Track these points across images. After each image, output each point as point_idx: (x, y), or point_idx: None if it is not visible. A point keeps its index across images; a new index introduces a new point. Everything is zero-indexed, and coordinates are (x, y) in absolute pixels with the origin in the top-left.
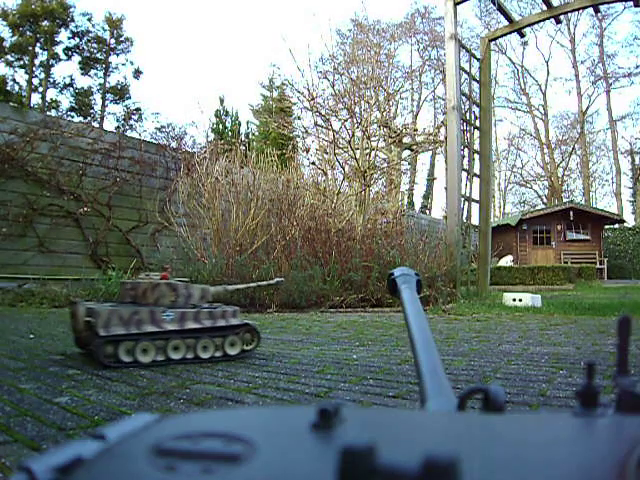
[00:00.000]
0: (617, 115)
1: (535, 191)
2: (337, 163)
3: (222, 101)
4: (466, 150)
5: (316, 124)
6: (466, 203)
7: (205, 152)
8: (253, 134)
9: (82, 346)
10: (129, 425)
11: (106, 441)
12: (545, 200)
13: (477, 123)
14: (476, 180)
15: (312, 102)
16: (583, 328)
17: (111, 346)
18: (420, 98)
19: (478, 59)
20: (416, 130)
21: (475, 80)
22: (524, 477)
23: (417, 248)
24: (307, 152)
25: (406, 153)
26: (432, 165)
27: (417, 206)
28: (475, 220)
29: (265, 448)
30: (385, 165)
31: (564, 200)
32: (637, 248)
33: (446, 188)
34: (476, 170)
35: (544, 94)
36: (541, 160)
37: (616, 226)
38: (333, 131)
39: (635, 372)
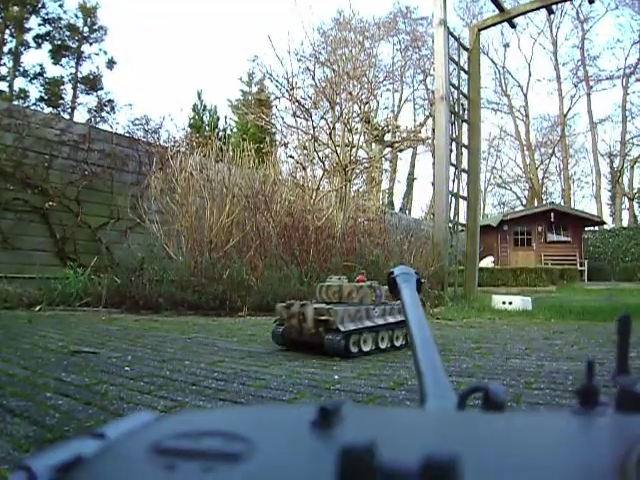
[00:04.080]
0: (597, 118)
1: (515, 193)
2: (317, 157)
3: (200, 95)
4: (454, 144)
5: (295, 115)
6: (454, 200)
7: (179, 146)
8: (231, 130)
9: (287, 342)
10: (129, 424)
11: (106, 440)
12: (525, 202)
13: (465, 116)
14: (463, 176)
15: (291, 92)
16: (591, 336)
17: (344, 340)
18: (401, 98)
19: (467, 49)
20: (398, 127)
21: (464, 71)
22: (524, 476)
23: (402, 247)
24: (285, 146)
25: (387, 151)
26: (412, 165)
27: (397, 206)
28: (463, 218)
29: (265, 447)
30: (366, 161)
31: (544, 202)
32: (616, 250)
33: (433, 183)
34: (464, 165)
35: (525, 95)
36: (521, 162)
37: (596, 228)
38: (312, 122)
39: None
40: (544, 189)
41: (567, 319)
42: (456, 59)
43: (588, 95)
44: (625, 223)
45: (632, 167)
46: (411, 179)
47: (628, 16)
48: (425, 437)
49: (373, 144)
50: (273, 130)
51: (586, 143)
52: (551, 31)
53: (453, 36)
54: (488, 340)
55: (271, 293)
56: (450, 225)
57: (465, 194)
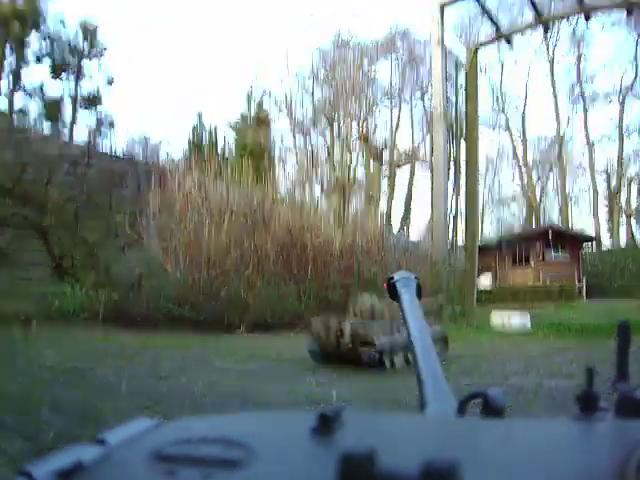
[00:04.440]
0: (594, 136)
1: (512, 211)
2: (315, 176)
3: (200, 116)
4: (452, 163)
5: (293, 133)
6: (452, 218)
7: (178, 165)
8: (230, 150)
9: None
10: (129, 430)
11: (106, 446)
12: (523, 219)
13: (463, 135)
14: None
15: (290, 110)
16: (590, 353)
17: (379, 354)
18: (399, 116)
19: (464, 68)
20: (395, 146)
21: (462, 89)
22: None
23: (400, 265)
24: (284, 164)
25: (385, 168)
26: (411, 186)
27: (395, 227)
28: (461, 237)
29: (264, 453)
30: (364, 180)
31: (541, 219)
32: (614, 268)
33: (432, 202)
34: (462, 184)
35: (523, 114)
36: (519, 180)
37: (594, 245)
38: (311, 141)
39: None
40: (542, 207)
41: (565, 337)
42: (454, 78)
43: (585, 113)
44: (623, 240)
45: (629, 185)
46: (409, 200)
47: (624, 35)
48: (425, 443)
49: (371, 162)
50: (271, 150)
51: (583, 161)
52: (547, 50)
53: (451, 55)
54: (487, 358)
55: (269, 310)
56: (448, 244)
57: (463, 212)
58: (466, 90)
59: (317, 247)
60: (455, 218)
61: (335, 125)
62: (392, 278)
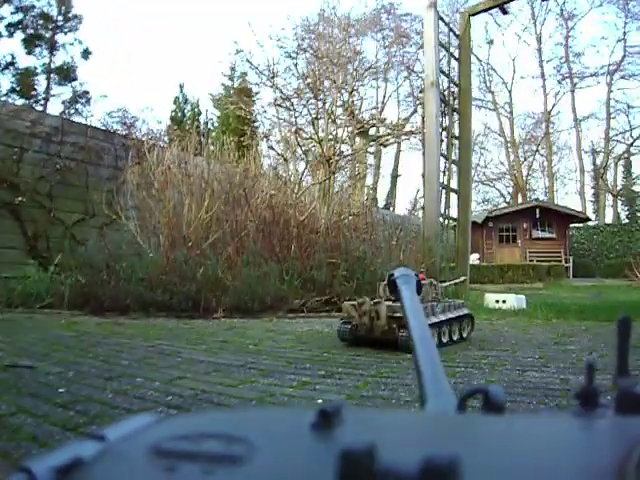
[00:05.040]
0: (581, 115)
1: (498, 190)
2: (299, 149)
3: (182, 88)
4: (444, 134)
5: (276, 104)
6: (444, 193)
7: (157, 139)
8: (212, 124)
9: (355, 339)
10: (129, 426)
11: (106, 442)
12: (509, 199)
13: (456, 105)
14: (454, 169)
15: (273, 80)
16: (604, 339)
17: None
18: (385, 94)
19: (457, 35)
20: (382, 121)
21: (454, 58)
22: (524, 478)
23: (390, 243)
24: (267, 139)
25: (371, 145)
26: (396, 162)
27: (380, 203)
28: (453, 212)
29: (265, 449)
30: (350, 154)
31: (528, 199)
32: (601, 246)
33: (423, 175)
34: (455, 157)
35: (510, 92)
36: (505, 158)
37: (580, 225)
38: (295, 113)
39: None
40: (528, 186)
41: (568, 319)
42: (446, 46)
43: (572, 92)
44: (609, 220)
45: (616, 164)
46: (395, 176)
47: (613, 13)
48: (425, 439)
49: (357, 138)
50: (255, 123)
51: (570, 140)
52: (535, 28)
53: (443, 21)
54: (493, 345)
55: (249, 292)
56: (441, 219)
57: (456, 187)
58: (459, 58)
59: (301, 224)
60: (447, 193)
61: (320, 96)
62: (392, 275)
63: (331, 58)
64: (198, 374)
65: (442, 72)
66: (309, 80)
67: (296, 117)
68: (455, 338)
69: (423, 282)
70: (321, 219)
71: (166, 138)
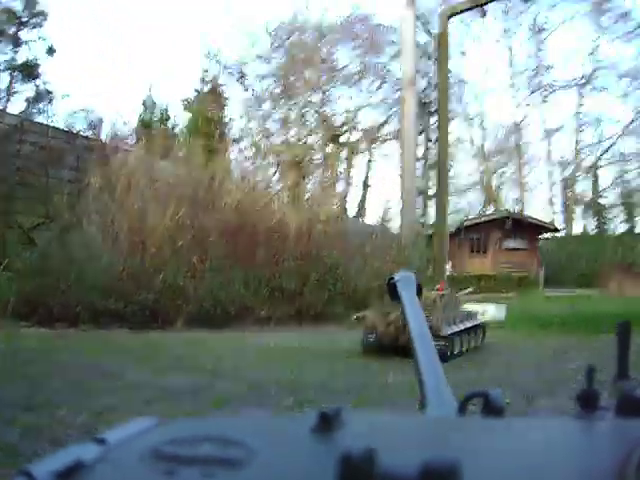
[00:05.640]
0: (552, 126)
1: (468, 201)
2: (270, 152)
3: (150, 90)
4: (422, 138)
5: (247, 106)
6: (422, 198)
7: (122, 142)
8: (181, 129)
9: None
10: (129, 429)
11: (106, 445)
12: (480, 209)
13: (433, 105)
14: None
15: (243, 79)
16: (602, 356)
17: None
18: (358, 103)
19: (435, 35)
20: (355, 127)
21: (432, 59)
22: None
23: (364, 250)
24: (236, 142)
25: (343, 152)
26: (368, 170)
27: (352, 212)
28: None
29: (264, 453)
30: (321, 159)
31: (499, 209)
32: (570, 257)
33: (401, 176)
34: (432, 161)
35: (481, 104)
36: (476, 169)
37: (550, 235)
38: (265, 114)
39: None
40: (499, 196)
41: (551, 332)
42: (424, 47)
43: (543, 104)
44: (578, 230)
45: (585, 175)
46: (366, 185)
47: (584, 27)
48: (425, 442)
49: (329, 145)
50: (225, 126)
51: (540, 151)
52: (507, 39)
53: (421, 21)
54: (483, 363)
55: (211, 300)
56: (418, 225)
57: (434, 192)
58: (437, 59)
59: (270, 230)
60: (425, 198)
61: (292, 101)
62: (392, 278)
63: (304, 58)
64: (136, 403)
65: (420, 73)
66: (281, 77)
67: (266, 120)
68: (473, 345)
69: (442, 292)
70: (291, 225)
71: (132, 141)
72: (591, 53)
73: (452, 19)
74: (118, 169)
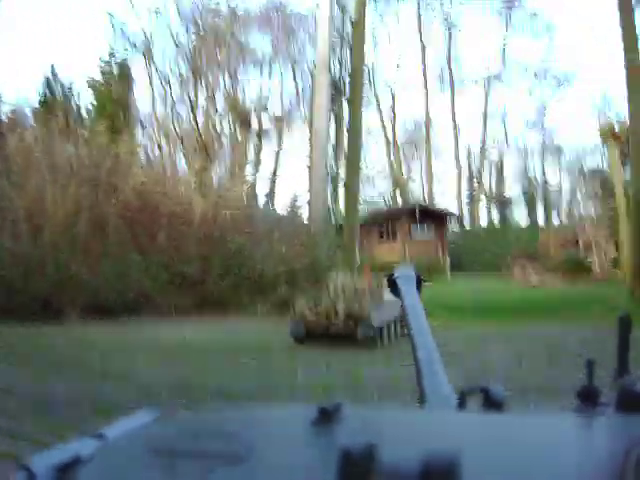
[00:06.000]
0: (460, 120)
1: (378, 190)
2: (176, 134)
3: (53, 69)
4: (334, 124)
5: (151, 83)
6: (332, 184)
7: (21, 121)
8: (87, 109)
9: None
10: (128, 424)
11: (105, 440)
12: (389, 198)
13: (347, 92)
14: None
15: (149, 55)
16: (530, 342)
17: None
18: (270, 90)
19: (352, 21)
20: (266, 113)
21: (348, 44)
22: (524, 476)
23: (271, 236)
24: (142, 124)
25: (253, 138)
26: (278, 158)
27: (261, 200)
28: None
29: (264, 447)
30: (230, 144)
31: (408, 199)
32: (475, 246)
33: (310, 166)
34: (344, 148)
35: (393, 95)
36: (387, 159)
37: (457, 225)
38: (172, 93)
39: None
40: (408, 186)
41: (467, 319)
42: (340, 31)
43: (452, 97)
44: (483, 221)
45: (491, 168)
46: (276, 173)
47: (495, 24)
48: (425, 437)
49: (239, 130)
50: (131, 107)
51: (449, 144)
52: (420, 33)
53: (339, 5)
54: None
55: (107, 289)
56: (327, 212)
57: (344, 178)
58: (352, 45)
59: (174, 214)
60: (335, 185)
61: (201, 78)
62: (393, 273)
63: (215, 37)
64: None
65: (335, 57)
66: (190, 57)
67: (174, 100)
68: (400, 334)
69: (368, 282)
70: (197, 210)
71: (32, 121)
72: (500, 50)
73: (368, 13)
74: (15, 150)
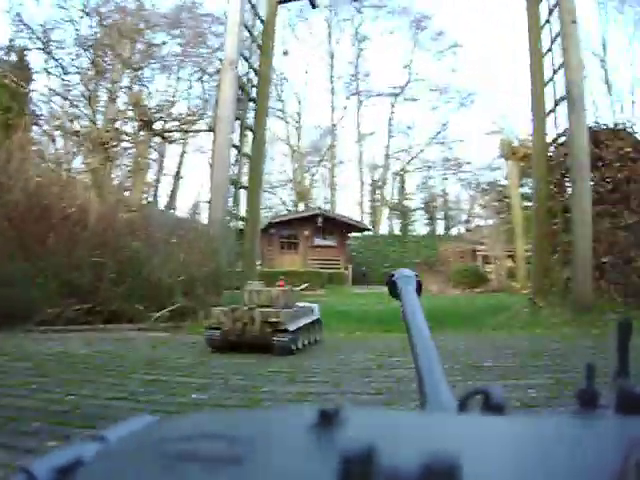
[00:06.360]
0: (365, 131)
1: (280, 198)
2: (74, 131)
3: None
4: (238, 123)
5: (48, 72)
6: (233, 189)
7: None
8: None
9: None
10: (129, 426)
11: (106, 442)
12: (291, 206)
13: (254, 94)
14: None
15: (48, 46)
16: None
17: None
18: (175, 94)
19: (262, 20)
20: (170, 114)
21: (257, 44)
22: (525, 478)
23: (169, 242)
24: (37, 117)
25: (156, 141)
26: (181, 161)
27: (163, 204)
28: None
29: (264, 449)
30: (130, 141)
31: (310, 207)
32: (377, 255)
33: (211, 165)
34: (248, 150)
35: (299, 103)
36: (290, 167)
37: (359, 234)
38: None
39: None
40: (310, 195)
41: (371, 330)
42: (250, 29)
43: (358, 109)
44: (384, 231)
45: (393, 179)
46: (179, 177)
47: (403, 41)
48: (425, 439)
49: (141, 131)
50: (28, 101)
51: (352, 154)
52: (330, 45)
53: (250, 3)
54: (305, 374)
55: None
56: (228, 218)
57: (247, 183)
58: (262, 45)
59: (66, 217)
60: (237, 188)
61: (104, 75)
62: (392, 275)
63: (119, 28)
64: None
65: (242, 56)
66: (90, 49)
67: (70, 91)
68: (312, 339)
69: (284, 288)
70: (92, 213)
71: None
72: (406, 66)
73: (279, 17)
74: None
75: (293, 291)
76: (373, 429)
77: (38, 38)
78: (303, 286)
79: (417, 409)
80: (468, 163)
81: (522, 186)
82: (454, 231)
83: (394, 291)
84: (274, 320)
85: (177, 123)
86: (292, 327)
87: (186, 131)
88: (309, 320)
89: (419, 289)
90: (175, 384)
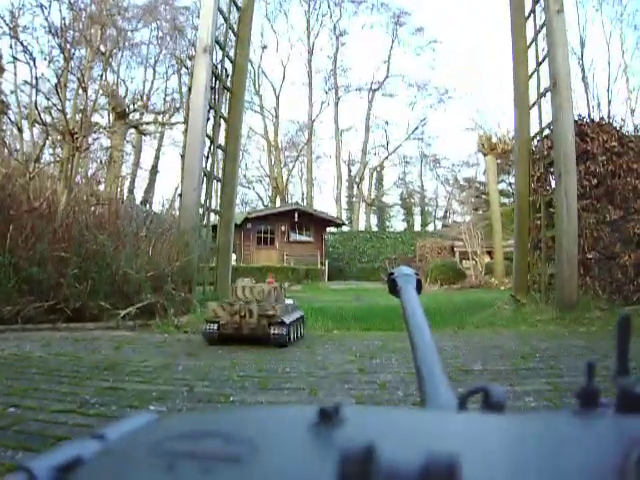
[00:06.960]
0: (343, 126)
1: (257, 192)
2: (42, 120)
3: None
4: (212, 114)
5: (15, 58)
6: (206, 180)
7: None
8: None
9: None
10: (129, 425)
11: (106, 441)
12: (268, 201)
13: (228, 83)
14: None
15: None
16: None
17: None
18: (152, 87)
19: (239, 7)
20: (146, 106)
21: (233, 32)
22: (525, 477)
23: (139, 236)
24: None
25: (131, 133)
26: (157, 155)
27: (138, 199)
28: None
29: (264, 448)
30: (102, 132)
31: (287, 202)
32: (354, 251)
33: (183, 156)
34: (221, 141)
35: (277, 97)
36: (267, 162)
37: (336, 230)
38: (36, 71)
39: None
40: (287, 190)
41: (349, 328)
42: (226, 16)
43: (336, 104)
44: (362, 226)
45: (371, 175)
46: (154, 172)
47: (382, 37)
48: (426, 438)
49: (116, 122)
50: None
51: (330, 149)
52: (309, 39)
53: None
54: (279, 379)
55: None
56: (201, 211)
57: (220, 175)
58: (237, 34)
59: (28, 210)
60: (210, 180)
61: (74, 52)
62: (392, 273)
63: (90, 13)
64: None
65: (218, 43)
66: (58, 33)
67: (37, 78)
68: (299, 334)
69: (273, 285)
70: (59, 206)
71: None
72: (385, 61)
73: (258, 9)
74: None
75: (283, 288)
76: (373, 427)
77: (6, 24)
78: (288, 284)
79: (417, 407)
80: (446, 159)
81: (500, 182)
82: (431, 227)
83: (394, 289)
84: (271, 313)
85: (153, 116)
86: (287, 320)
87: (162, 124)
88: (298, 315)
89: (419, 287)
90: (133, 392)
